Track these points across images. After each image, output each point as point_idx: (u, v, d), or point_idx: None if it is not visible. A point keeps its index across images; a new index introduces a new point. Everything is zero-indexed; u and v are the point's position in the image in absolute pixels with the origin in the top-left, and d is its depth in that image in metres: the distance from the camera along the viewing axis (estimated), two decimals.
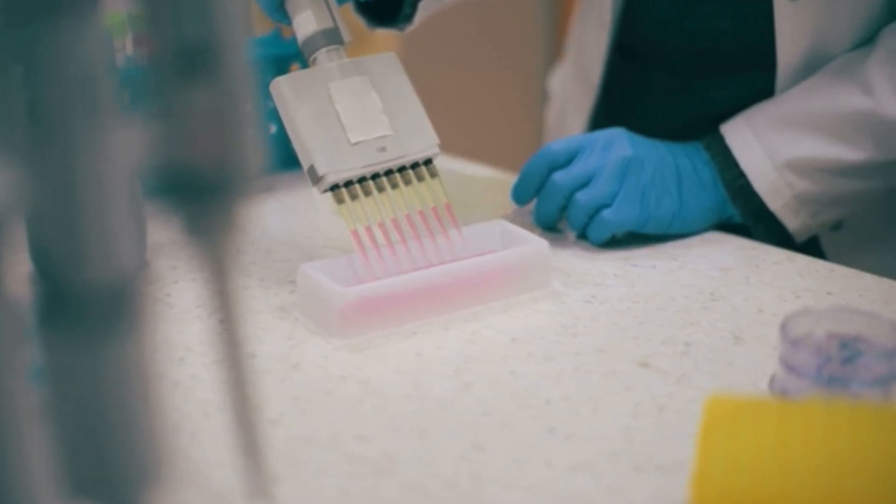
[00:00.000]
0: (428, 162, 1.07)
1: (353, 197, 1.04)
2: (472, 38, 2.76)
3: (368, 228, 1.04)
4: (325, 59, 1.07)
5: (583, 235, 1.17)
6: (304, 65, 1.15)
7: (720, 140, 1.19)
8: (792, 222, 1.19)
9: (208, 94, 0.49)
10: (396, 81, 1.08)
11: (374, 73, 1.07)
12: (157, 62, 0.48)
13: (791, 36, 1.19)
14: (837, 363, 0.84)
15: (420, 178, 1.07)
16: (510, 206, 1.22)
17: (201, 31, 0.48)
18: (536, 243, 1.06)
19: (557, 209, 1.17)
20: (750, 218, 1.19)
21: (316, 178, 1.03)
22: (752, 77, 1.25)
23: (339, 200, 1.04)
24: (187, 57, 0.48)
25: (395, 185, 1.06)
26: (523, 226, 1.11)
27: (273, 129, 1.32)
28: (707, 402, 0.76)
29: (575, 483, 0.80)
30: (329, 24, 1.07)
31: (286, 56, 1.31)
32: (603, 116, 1.39)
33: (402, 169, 1.06)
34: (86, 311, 0.48)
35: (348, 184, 1.04)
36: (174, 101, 0.49)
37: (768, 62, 1.22)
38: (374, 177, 1.05)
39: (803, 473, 0.70)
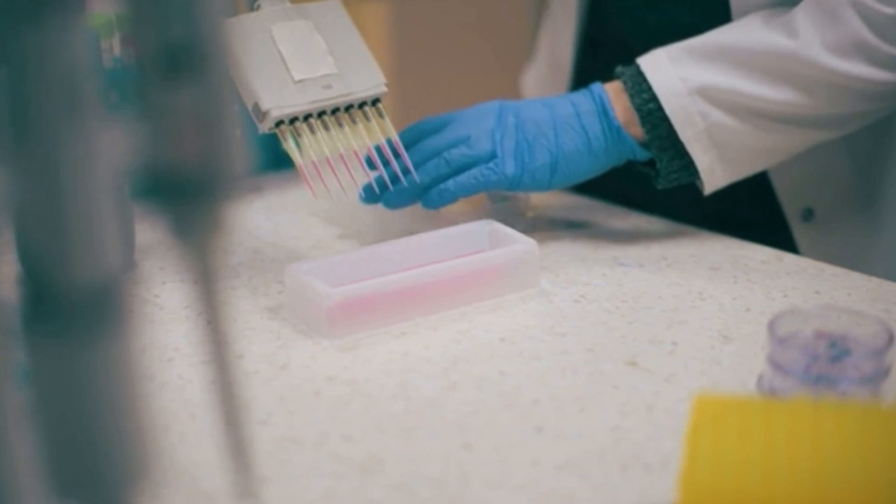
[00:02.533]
0: (375, 102, 1.08)
1: (300, 133, 1.05)
2: (457, 37, 2.76)
3: (313, 163, 1.04)
4: (269, 4, 1.08)
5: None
6: None
7: (634, 66, 1.15)
8: (700, 157, 1.13)
9: (193, 95, 0.49)
10: (340, 25, 1.09)
11: (317, 18, 1.08)
12: (143, 63, 0.48)
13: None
14: (825, 362, 0.84)
15: (367, 118, 1.08)
16: (495, 204, 1.22)
17: (186, 32, 0.48)
18: (525, 243, 1.06)
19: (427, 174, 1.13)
20: (656, 146, 1.14)
21: (260, 116, 1.03)
22: None
23: (284, 136, 1.04)
24: (172, 58, 0.48)
25: (341, 124, 1.07)
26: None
27: None
28: (694, 401, 0.76)
29: (562, 482, 0.80)
30: None
31: None
32: None
33: (348, 109, 1.07)
34: (72, 312, 0.48)
35: (294, 121, 1.04)
36: (159, 102, 0.49)
37: None
38: (321, 115, 1.06)
39: (790, 472, 0.71)
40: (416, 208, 1.17)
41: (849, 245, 1.29)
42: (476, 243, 1.09)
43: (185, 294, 1.06)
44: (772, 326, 0.85)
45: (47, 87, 0.45)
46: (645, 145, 1.14)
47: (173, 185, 0.50)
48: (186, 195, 0.51)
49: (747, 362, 0.94)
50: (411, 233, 1.11)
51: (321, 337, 0.98)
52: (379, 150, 1.10)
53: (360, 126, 1.07)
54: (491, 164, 1.12)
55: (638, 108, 1.13)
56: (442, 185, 1.12)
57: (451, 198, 1.12)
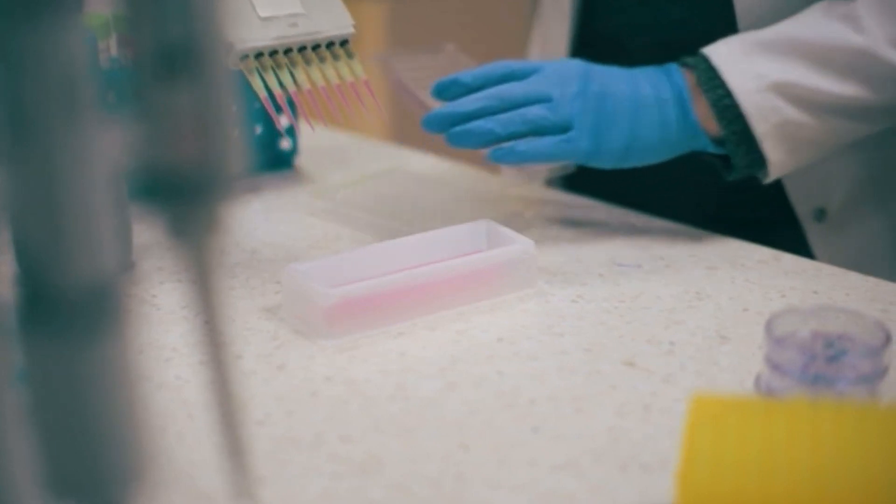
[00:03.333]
0: (344, 44, 1.08)
1: (265, 68, 1.04)
2: (455, 38, 2.76)
3: (278, 94, 1.04)
4: None
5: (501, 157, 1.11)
6: None
7: (703, 59, 1.14)
8: (772, 152, 1.13)
9: (190, 95, 0.49)
10: None
11: None
12: (139, 63, 0.48)
13: (751, 26, 1.20)
14: (822, 362, 0.84)
15: (336, 57, 1.07)
16: (497, 206, 1.22)
17: (183, 32, 0.48)
18: (522, 243, 1.06)
19: (494, 120, 1.10)
20: (732, 142, 1.13)
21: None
22: None
23: (249, 69, 1.03)
24: (169, 58, 0.48)
25: (309, 61, 1.06)
26: (508, 219, 1.12)
27: (259, 129, 1.32)
28: (692, 401, 0.76)
29: (560, 482, 0.80)
30: None
31: None
32: None
33: (316, 49, 1.07)
34: (69, 312, 0.47)
35: (259, 56, 1.04)
36: (156, 103, 0.49)
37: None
38: (287, 52, 1.05)
39: (788, 472, 0.71)
40: (411, 207, 1.17)
41: (864, 245, 1.29)
42: (474, 243, 1.09)
43: (182, 294, 1.06)
44: (769, 326, 0.85)
45: (44, 87, 0.45)
46: (718, 140, 1.14)
47: (170, 186, 0.50)
48: (184, 195, 0.51)
49: (745, 362, 0.94)
50: (409, 233, 1.11)
51: (319, 337, 0.98)
52: (454, 84, 1.10)
53: (327, 64, 1.07)
54: (567, 138, 1.09)
55: (714, 104, 1.12)
56: (514, 146, 1.09)
57: (519, 160, 1.10)
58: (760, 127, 1.12)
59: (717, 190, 1.25)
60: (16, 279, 0.48)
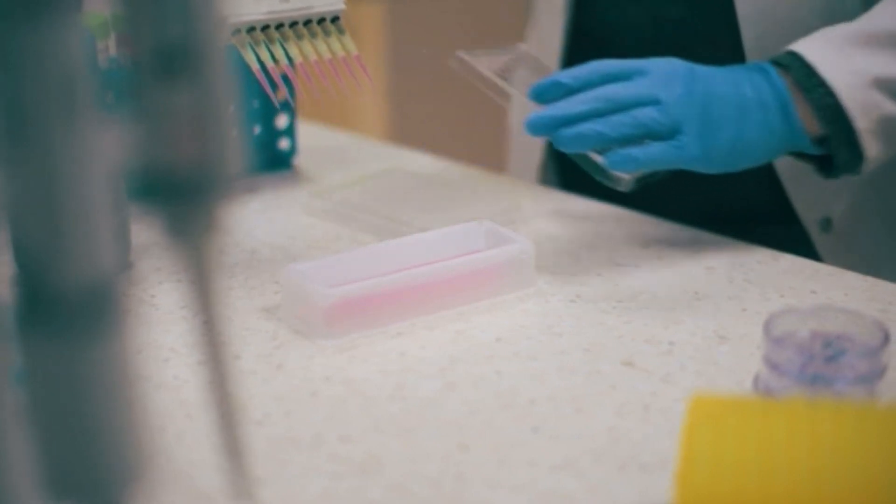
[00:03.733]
0: (335, 20, 1.09)
1: (257, 42, 1.06)
2: (452, 40, 2.76)
3: (272, 69, 1.06)
4: None
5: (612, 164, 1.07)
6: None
7: (796, 58, 1.10)
8: (870, 149, 1.10)
9: (189, 95, 0.49)
10: None
11: None
12: (138, 63, 0.48)
13: (753, 23, 1.20)
14: (821, 361, 0.84)
15: (327, 33, 1.09)
16: (496, 206, 1.22)
17: (182, 32, 0.48)
18: (521, 243, 1.06)
19: (597, 123, 1.05)
20: (835, 141, 1.09)
21: None
22: (704, 64, 1.26)
23: (242, 43, 1.05)
24: (168, 58, 0.48)
25: (300, 36, 1.08)
26: (507, 221, 1.12)
27: (258, 129, 1.32)
28: (691, 401, 0.76)
29: (559, 482, 0.80)
30: None
31: None
32: None
33: (307, 24, 1.08)
34: (68, 312, 0.47)
35: (251, 31, 1.06)
36: (155, 102, 0.49)
37: (723, 48, 1.22)
38: (279, 27, 1.07)
39: (786, 472, 0.71)
40: (410, 207, 1.17)
41: (871, 254, 1.28)
42: (473, 243, 1.08)
43: (181, 294, 1.06)
44: (768, 326, 0.85)
45: (43, 87, 0.45)
46: (818, 140, 1.11)
47: (169, 186, 0.50)
48: (182, 195, 0.51)
49: (744, 362, 0.94)
50: (408, 233, 1.11)
51: (318, 337, 0.98)
52: (554, 86, 1.07)
53: (319, 39, 1.08)
54: (678, 143, 1.06)
55: (815, 105, 1.09)
56: (631, 152, 1.06)
57: (637, 167, 1.06)
58: (862, 124, 1.08)
59: (718, 189, 1.25)
60: (14, 279, 0.48)
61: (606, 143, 1.05)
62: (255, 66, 1.05)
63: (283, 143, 1.34)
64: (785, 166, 1.26)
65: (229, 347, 0.55)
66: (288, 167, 1.35)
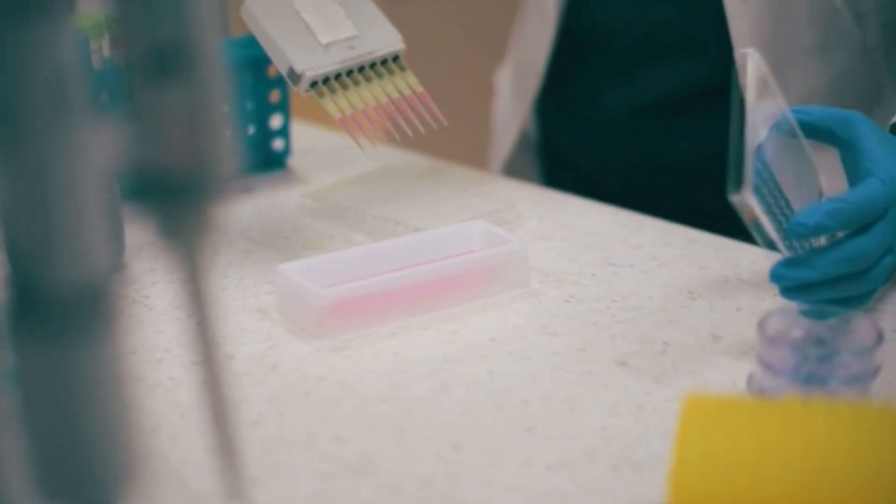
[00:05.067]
0: (395, 59, 1.15)
1: (333, 90, 1.12)
2: (452, 39, 2.76)
3: (353, 115, 1.11)
4: None
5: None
6: None
7: None
8: None
9: (182, 95, 0.49)
10: None
11: None
12: (131, 64, 0.48)
13: (746, 34, 1.20)
14: (815, 361, 0.84)
15: (391, 72, 1.15)
16: (490, 206, 1.22)
17: (175, 32, 0.48)
18: (515, 243, 1.06)
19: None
20: None
21: (296, 79, 1.11)
22: (693, 65, 1.26)
23: (321, 94, 1.11)
24: (161, 58, 0.48)
25: (369, 79, 1.14)
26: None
27: (252, 130, 1.32)
28: (684, 401, 0.76)
29: (552, 482, 0.80)
30: None
31: (264, 58, 1.30)
32: (544, 102, 1.41)
33: (372, 66, 1.14)
34: (60, 313, 0.47)
35: (326, 81, 1.11)
36: (148, 103, 0.49)
37: (712, 49, 1.22)
38: (349, 73, 1.13)
39: (780, 472, 0.71)
40: (404, 207, 1.17)
41: None
42: (467, 243, 1.09)
43: (175, 295, 1.06)
44: (761, 326, 0.85)
45: (34, 88, 0.45)
46: None
47: (162, 186, 0.50)
48: (175, 196, 0.51)
49: (737, 362, 0.94)
50: (402, 233, 1.11)
51: (312, 337, 0.98)
52: (806, 229, 0.92)
53: (385, 79, 1.14)
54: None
55: None
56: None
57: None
58: None
59: (711, 191, 1.25)
60: (7, 279, 0.48)
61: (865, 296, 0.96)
62: (337, 116, 1.11)
63: (277, 144, 1.34)
64: None
65: (223, 348, 0.55)
66: (282, 167, 1.35)
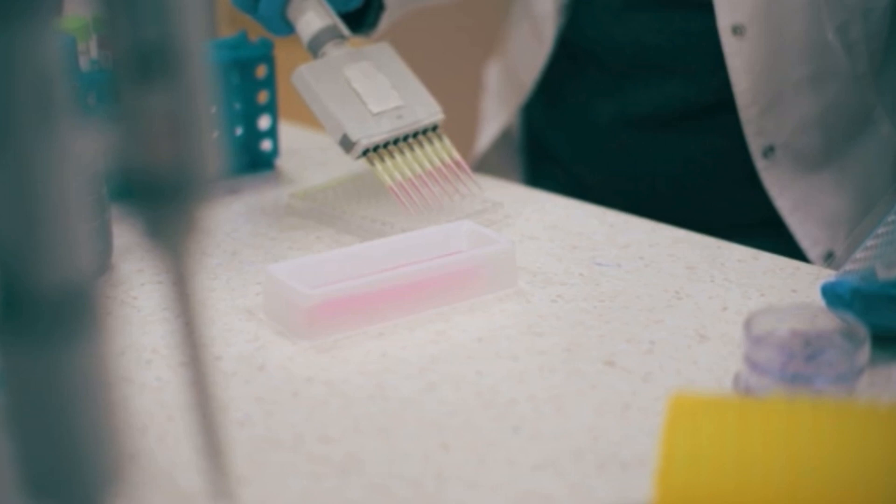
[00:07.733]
0: (434, 128, 1.21)
1: (382, 158, 1.18)
2: (450, 40, 2.76)
3: (401, 182, 1.16)
4: (334, 49, 1.21)
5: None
6: (270, 66, 1.31)
7: None
8: None
9: (168, 96, 0.49)
10: (395, 64, 1.24)
11: (375, 58, 1.23)
12: (117, 65, 0.48)
13: (742, 69, 1.22)
14: (801, 360, 0.85)
15: (430, 141, 1.20)
16: (472, 205, 1.22)
17: (159, 33, 0.48)
18: (502, 243, 1.06)
19: None
20: None
21: (349, 146, 1.16)
22: (682, 85, 1.27)
23: (371, 161, 1.17)
24: (146, 60, 0.48)
25: (412, 147, 1.19)
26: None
27: (239, 131, 1.32)
28: (671, 400, 0.76)
29: (539, 482, 0.81)
30: (330, 22, 1.21)
31: (252, 58, 1.31)
32: (531, 107, 1.42)
33: (414, 135, 1.21)
34: (46, 314, 0.48)
35: (375, 149, 1.18)
36: (134, 104, 0.49)
37: (697, 74, 1.26)
38: (395, 142, 1.19)
39: (766, 471, 0.71)
40: (392, 208, 1.17)
41: (812, 179, 1.30)
42: (454, 244, 1.09)
43: (163, 296, 1.06)
44: (748, 325, 0.85)
45: (19, 89, 0.45)
46: None
47: (148, 187, 0.50)
48: (161, 197, 0.51)
49: (724, 361, 0.95)
50: (390, 234, 1.11)
51: (299, 338, 0.98)
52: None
53: (427, 148, 1.20)
54: None
55: None
56: None
57: None
58: None
59: (698, 191, 1.26)
60: None
61: None
62: (388, 182, 1.17)
63: (265, 145, 1.34)
64: (773, 181, 1.28)
65: (210, 348, 0.55)
66: (270, 168, 1.35)
